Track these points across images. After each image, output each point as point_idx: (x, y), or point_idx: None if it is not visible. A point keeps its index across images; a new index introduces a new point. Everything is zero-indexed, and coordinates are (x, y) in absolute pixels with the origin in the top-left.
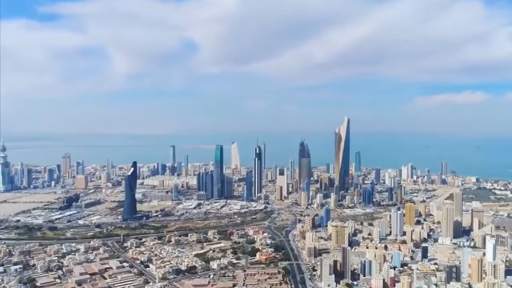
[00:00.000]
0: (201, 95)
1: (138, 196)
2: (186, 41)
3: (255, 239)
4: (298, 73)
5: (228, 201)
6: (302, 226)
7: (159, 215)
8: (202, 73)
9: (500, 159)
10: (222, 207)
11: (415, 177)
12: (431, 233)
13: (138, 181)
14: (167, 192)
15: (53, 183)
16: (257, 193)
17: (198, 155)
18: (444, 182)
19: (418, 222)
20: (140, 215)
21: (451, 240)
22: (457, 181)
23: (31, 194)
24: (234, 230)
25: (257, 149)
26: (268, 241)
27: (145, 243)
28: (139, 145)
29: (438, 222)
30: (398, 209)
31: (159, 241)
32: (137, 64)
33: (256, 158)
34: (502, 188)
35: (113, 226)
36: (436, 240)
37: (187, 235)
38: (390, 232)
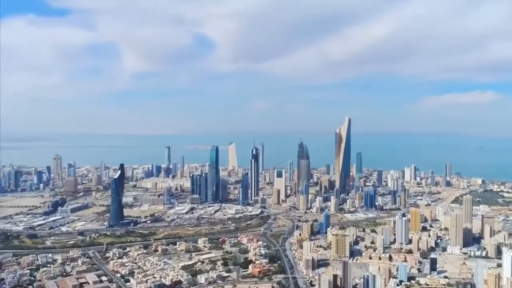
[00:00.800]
0: (210, 94)
1: (129, 199)
2: (197, 38)
3: (249, 248)
4: (311, 72)
5: (223, 205)
6: (300, 234)
7: (148, 221)
8: (213, 72)
9: (506, 160)
10: (216, 211)
11: (418, 179)
12: (439, 240)
13: (131, 184)
14: (159, 195)
15: (41, 185)
16: (254, 197)
17: (197, 156)
18: (448, 184)
19: (424, 229)
20: (127, 221)
21: (460, 249)
22: (462, 183)
23: (17, 197)
24: (226, 238)
25: (254, 150)
26: (263, 251)
27: (129, 253)
28: (140, 145)
29: (446, 229)
30: (403, 215)
31: (145, 251)
32: (146, 62)
33: (253, 160)
34: (510, 191)
35: (98, 233)
36: (444, 249)
37: (175, 244)
38: (395, 239)
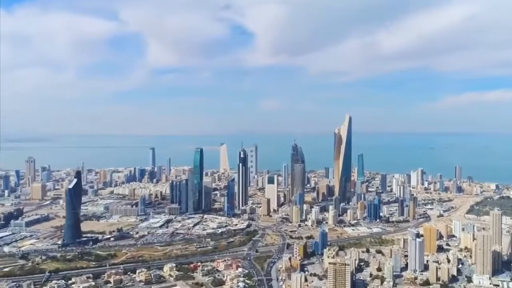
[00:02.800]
0: (229, 92)
1: (99, 209)
2: (232, 30)
3: (225, 277)
4: (338, 69)
5: (206, 216)
6: (290, 258)
7: (112, 238)
8: (237, 69)
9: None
10: (195, 225)
11: (426, 184)
12: (460, 265)
13: (108, 190)
14: (133, 204)
15: (7, 192)
16: (242, 206)
17: (191, 158)
18: (460, 189)
19: (439, 248)
20: (85, 238)
21: (489, 278)
22: (474, 189)
23: None
24: (199, 264)
25: (241, 153)
26: (241, 284)
27: (72, 285)
28: (140, 146)
29: (466, 249)
30: (418, 235)
31: (93, 283)
32: (168, 58)
33: (240, 164)
34: None
35: (46, 255)
36: (469, 279)
37: (135, 271)
38: (406, 264)
